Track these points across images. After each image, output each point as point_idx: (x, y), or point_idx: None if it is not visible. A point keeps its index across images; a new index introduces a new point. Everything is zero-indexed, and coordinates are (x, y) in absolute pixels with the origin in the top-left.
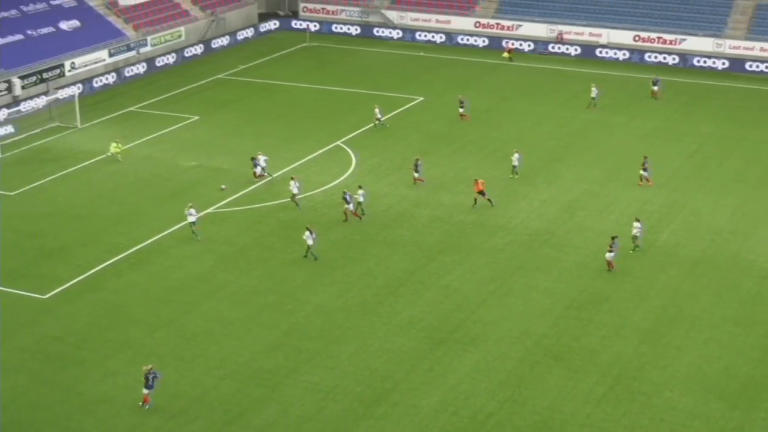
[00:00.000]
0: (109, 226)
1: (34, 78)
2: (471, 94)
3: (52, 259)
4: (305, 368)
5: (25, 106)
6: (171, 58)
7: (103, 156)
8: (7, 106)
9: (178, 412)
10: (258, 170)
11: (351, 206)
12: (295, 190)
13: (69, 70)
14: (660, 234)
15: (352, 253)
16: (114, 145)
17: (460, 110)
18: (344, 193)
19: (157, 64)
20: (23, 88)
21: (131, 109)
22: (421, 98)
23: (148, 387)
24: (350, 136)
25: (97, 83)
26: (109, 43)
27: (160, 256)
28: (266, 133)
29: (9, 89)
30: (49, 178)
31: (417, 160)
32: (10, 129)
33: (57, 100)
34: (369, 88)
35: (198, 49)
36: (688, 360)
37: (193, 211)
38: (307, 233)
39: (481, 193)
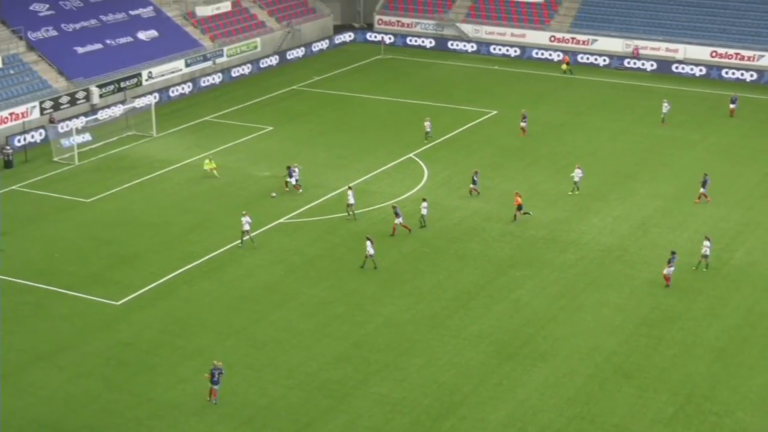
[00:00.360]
0: (182, 235)
1: (111, 87)
2: (545, 108)
3: (125, 266)
4: (373, 380)
5: (103, 115)
6: (246, 69)
7: (178, 165)
8: (85, 114)
9: (245, 420)
10: (293, 181)
11: (400, 220)
12: (352, 200)
13: (146, 80)
14: (734, 252)
15: (422, 265)
16: (207, 161)
17: (522, 124)
18: (394, 207)
19: (233, 75)
20: (101, 96)
21: (206, 118)
22: (495, 112)
23: (213, 383)
24: (423, 148)
25: (174, 93)
26: (186, 53)
27: (231, 265)
28: (339, 145)
29: (87, 98)
30: (125, 186)
31: (475, 172)
32: (87, 137)
33: (134, 109)
34: (442, 100)
35: (273, 60)
36: (761, 380)
37: (248, 218)
38: (368, 243)
39: (519, 207)
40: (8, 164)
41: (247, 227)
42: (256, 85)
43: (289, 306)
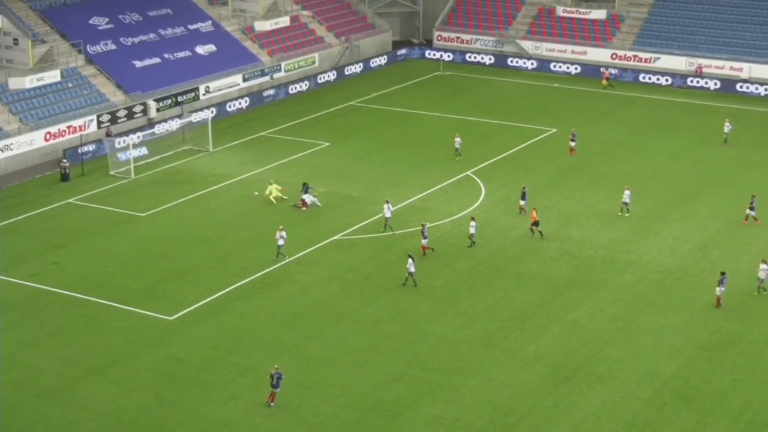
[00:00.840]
0: (236, 250)
1: (169, 101)
2: (605, 126)
3: (179, 280)
4: (426, 400)
5: (159, 129)
6: (304, 84)
7: (234, 180)
8: (142, 128)
9: None
10: (308, 199)
11: (425, 241)
12: (388, 214)
13: (203, 94)
14: None
15: (477, 284)
16: (273, 187)
17: (571, 144)
18: (422, 226)
19: (290, 90)
20: (158, 110)
21: (263, 133)
22: (554, 130)
23: (273, 386)
24: (480, 166)
25: (231, 107)
26: (244, 67)
27: (285, 282)
28: (395, 161)
29: (144, 111)
30: (180, 201)
31: (524, 188)
32: (144, 151)
33: (190, 123)
34: (501, 118)
35: (331, 76)
36: None
37: (283, 234)
38: (410, 260)
39: (536, 223)
40: (65, 177)
41: (281, 242)
42: (314, 100)
43: (343, 324)
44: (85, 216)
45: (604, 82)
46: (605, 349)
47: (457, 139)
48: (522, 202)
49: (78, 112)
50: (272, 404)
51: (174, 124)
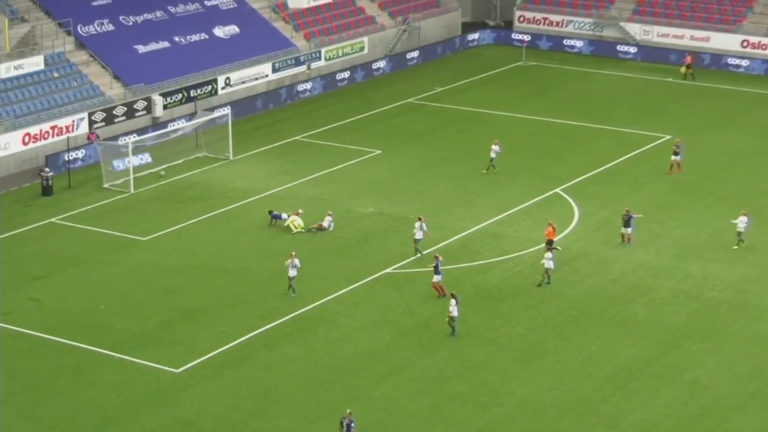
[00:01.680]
0: (261, 285)
1: (179, 96)
2: (733, 133)
3: (189, 323)
4: None
5: (167, 131)
6: (349, 76)
7: (259, 196)
8: (145, 129)
9: None
10: (326, 223)
11: (438, 278)
12: (419, 235)
13: (222, 88)
14: None
15: (568, 333)
16: (296, 219)
17: (674, 158)
18: (436, 258)
19: (332, 83)
20: (165, 107)
21: (297, 138)
22: (667, 137)
23: None
24: (573, 182)
25: (257, 105)
26: (274, 54)
27: (324, 326)
28: (464, 174)
29: (148, 109)
30: (191, 222)
31: (627, 212)
32: (146, 158)
33: (206, 124)
34: (600, 121)
35: (384, 65)
36: None
37: (297, 261)
38: (453, 301)
39: (550, 242)
40: (47, 191)
41: (293, 273)
42: (362, 96)
43: (396, 381)
44: (71, 239)
45: (684, 69)
46: (733, 419)
47: (495, 147)
48: (627, 230)
49: (65, 108)
50: None
51: (185, 126)
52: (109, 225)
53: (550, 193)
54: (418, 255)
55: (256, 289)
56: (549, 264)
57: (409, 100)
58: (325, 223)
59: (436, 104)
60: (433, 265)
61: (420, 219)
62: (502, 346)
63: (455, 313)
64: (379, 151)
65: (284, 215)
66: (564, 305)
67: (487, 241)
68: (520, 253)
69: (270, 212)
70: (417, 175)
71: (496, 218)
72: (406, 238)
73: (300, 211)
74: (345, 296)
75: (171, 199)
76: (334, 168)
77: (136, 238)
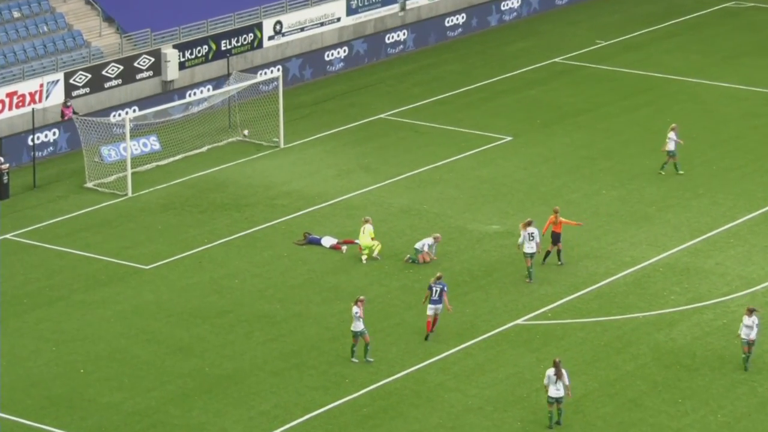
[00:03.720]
0: (324, 342)
1: (203, 49)
2: None
3: (213, 397)
4: None
5: (184, 103)
6: (464, 21)
7: (323, 204)
8: (151, 100)
9: None
10: (425, 247)
11: (436, 311)
12: (530, 248)
13: (270, 37)
14: None
15: None
16: (367, 233)
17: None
18: (435, 281)
19: (438, 32)
20: (182, 67)
21: (383, 116)
22: None
23: None
24: None
25: (323, 64)
26: None
27: (420, 405)
28: (639, 175)
29: (156, 68)
30: (219, 242)
31: None
32: (153, 144)
33: (245, 93)
34: None
35: (519, 5)
36: None
37: (359, 310)
38: (551, 374)
39: (555, 238)
40: (1, 191)
41: (358, 326)
42: (483, 52)
43: None
44: (36, 267)
45: None
46: None
47: (672, 135)
48: None
49: (29, 67)
50: None
51: (212, 95)
52: (95, 245)
53: None
54: (529, 281)
55: (316, 347)
56: (750, 334)
57: (556, 59)
58: (426, 247)
59: (598, 66)
60: (433, 291)
61: (528, 223)
62: None
63: (559, 393)
64: (508, 138)
65: (331, 240)
66: None
67: (674, 278)
68: (724, 298)
69: (306, 236)
70: (566, 175)
71: (687, 244)
72: (549, 271)
73: (367, 219)
74: (453, 360)
75: (190, 207)
76: (440, 162)
77: (135, 265)
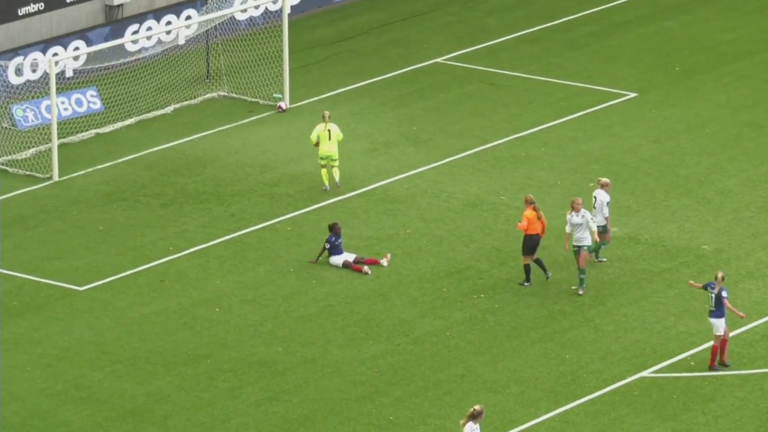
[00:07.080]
0: (351, 400)
1: None
2: None
3: None
4: None
5: (137, 37)
6: None
7: (352, 193)
8: (89, 32)
9: None
10: (604, 209)
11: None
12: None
13: None
14: None
15: None
16: (334, 149)
17: None
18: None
19: None
20: None
21: (438, 59)
22: None
23: None
24: None
25: None
26: None
27: None
28: None
29: None
30: (192, 250)
31: None
32: (92, 101)
33: (228, 24)
34: None
35: None
36: None
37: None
38: None
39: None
40: None
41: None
42: None
43: None
44: None
45: None
46: None
47: None
48: None
49: None
50: None
51: (179, 27)
52: (3, 256)
53: None
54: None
55: (336, 411)
56: None
57: None
58: (605, 209)
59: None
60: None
61: (577, 203)
62: None
63: None
64: (632, 94)
65: (347, 256)
66: None
67: None
68: None
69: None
70: (720, 151)
71: None
72: (685, 295)
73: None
74: (548, 426)
75: (147, 198)
76: (527, 131)
77: (65, 285)
